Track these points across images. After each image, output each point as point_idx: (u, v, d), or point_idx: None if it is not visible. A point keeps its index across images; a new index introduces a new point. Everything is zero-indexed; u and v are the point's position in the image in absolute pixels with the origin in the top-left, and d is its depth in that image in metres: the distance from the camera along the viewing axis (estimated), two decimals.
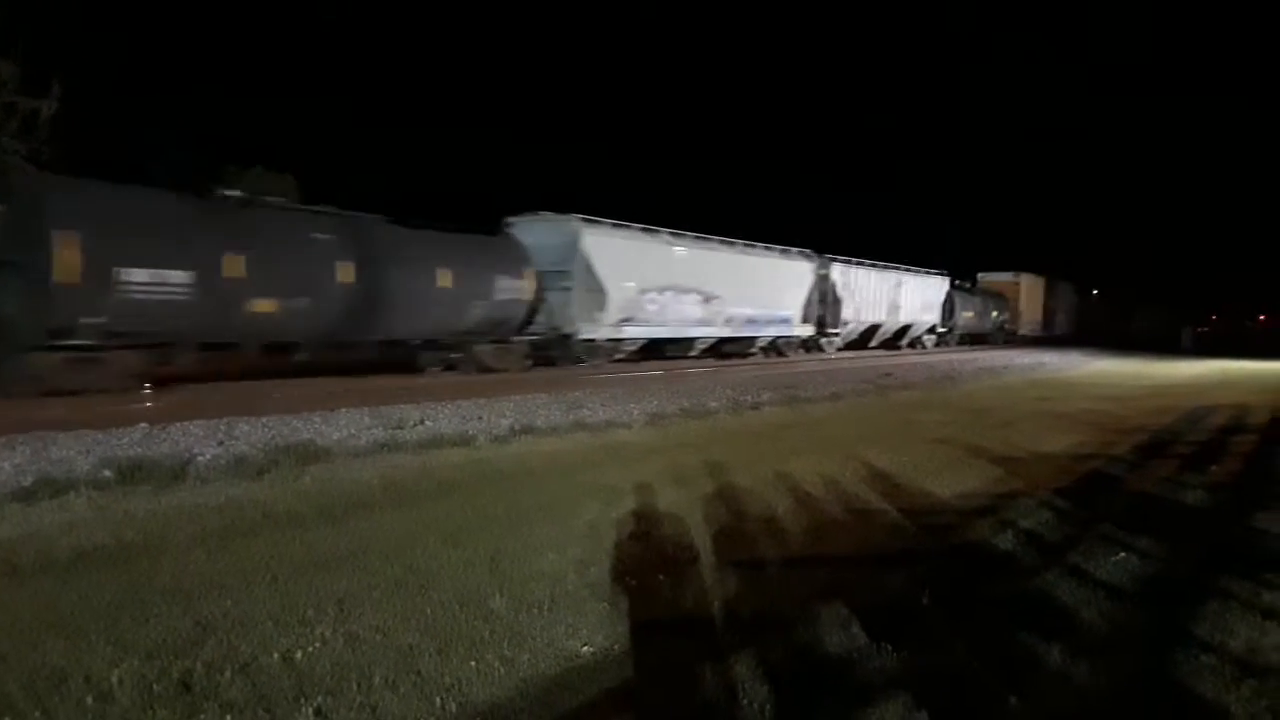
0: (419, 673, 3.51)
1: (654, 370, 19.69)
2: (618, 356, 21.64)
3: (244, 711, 3.14)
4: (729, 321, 24.85)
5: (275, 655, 3.62)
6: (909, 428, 11.43)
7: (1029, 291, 48.83)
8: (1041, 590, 4.80)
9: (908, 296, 35.85)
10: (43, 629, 3.80)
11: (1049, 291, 51.59)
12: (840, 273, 30.75)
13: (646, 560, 5.10)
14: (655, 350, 23.12)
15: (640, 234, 22.18)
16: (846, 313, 31.22)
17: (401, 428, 9.57)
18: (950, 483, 7.60)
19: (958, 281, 41.82)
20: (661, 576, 4.79)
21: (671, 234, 23.24)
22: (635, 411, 11.64)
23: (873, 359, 28.37)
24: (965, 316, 41.33)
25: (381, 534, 5.50)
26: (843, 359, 28.31)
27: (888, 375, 19.59)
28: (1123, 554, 5.49)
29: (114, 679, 3.33)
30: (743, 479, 7.37)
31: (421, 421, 10.05)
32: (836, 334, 31.00)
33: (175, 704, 3.17)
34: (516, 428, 9.91)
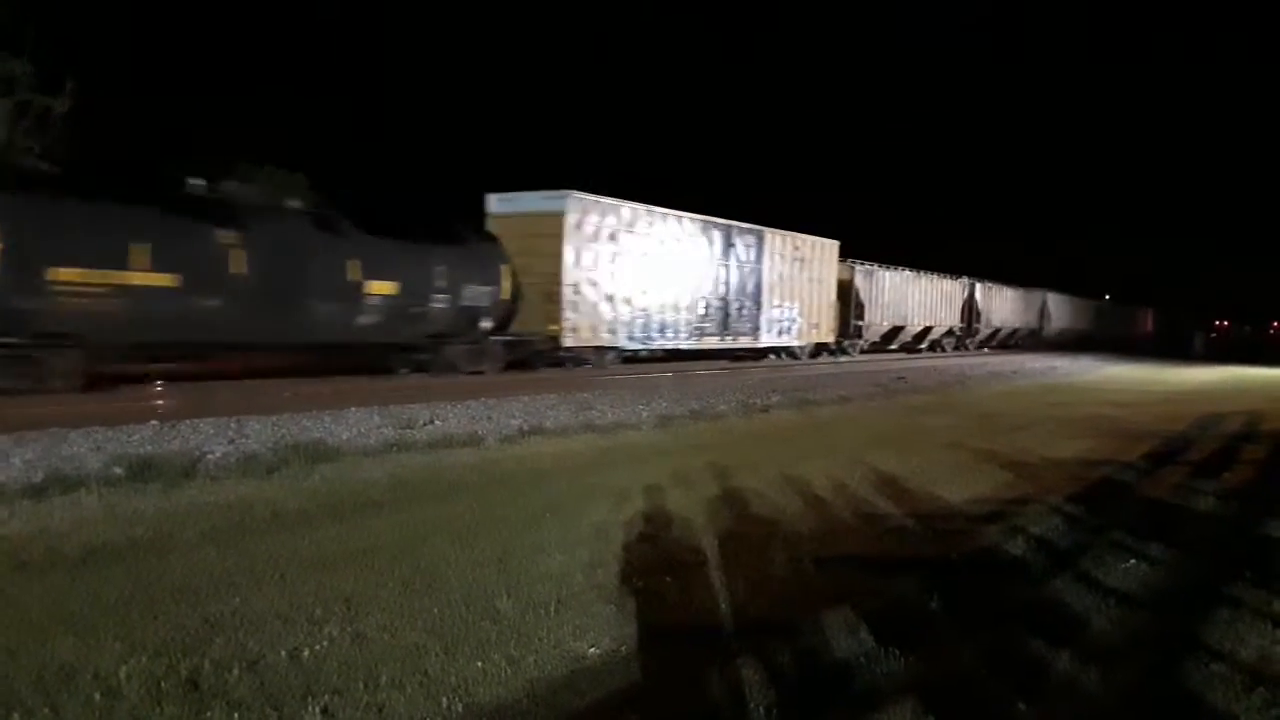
0: (425, 672, 3.51)
1: (664, 372, 19.67)
2: None
3: (251, 709, 3.14)
4: None
5: (283, 653, 3.62)
6: (918, 432, 11.40)
7: (610, 246, 20.10)
8: (1051, 597, 4.78)
9: None
10: (52, 625, 3.82)
11: (739, 254, 24.18)
12: None
13: (654, 562, 5.09)
14: None
15: None
16: None
17: (411, 427, 9.59)
18: (959, 488, 7.57)
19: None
20: (669, 579, 4.78)
21: None
22: (644, 413, 11.64)
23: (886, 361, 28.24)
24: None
25: (390, 533, 5.51)
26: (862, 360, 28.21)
27: (900, 379, 19.54)
28: (1133, 561, 5.47)
29: (122, 675, 3.34)
30: (751, 481, 7.36)
31: (431, 421, 10.07)
32: None
33: (183, 701, 3.18)
34: (525, 428, 9.92)
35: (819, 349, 28.67)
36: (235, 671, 3.43)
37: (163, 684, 3.30)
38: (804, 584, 4.85)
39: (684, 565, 5.04)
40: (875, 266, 32.03)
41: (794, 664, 3.75)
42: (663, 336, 21.76)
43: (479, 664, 3.61)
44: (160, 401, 11.12)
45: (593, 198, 19.74)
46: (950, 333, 38.36)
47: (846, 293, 30.10)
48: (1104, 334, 53.68)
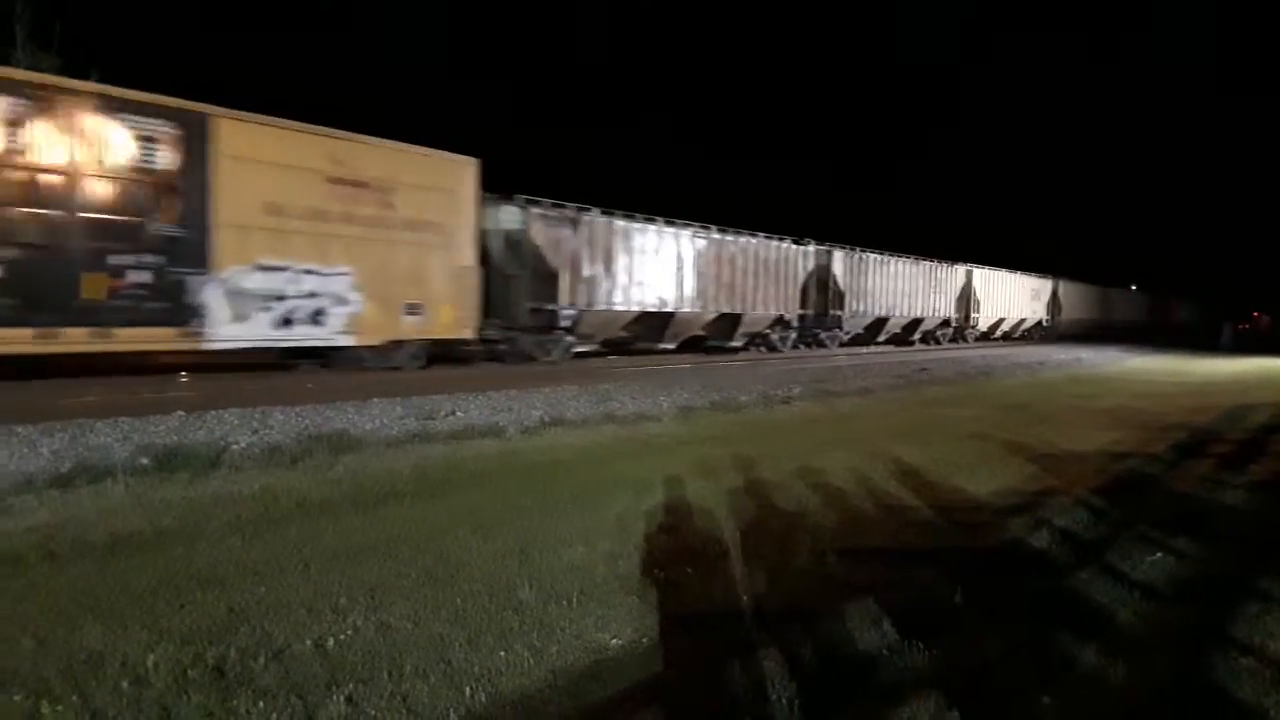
0: (449, 662, 3.53)
1: (685, 364, 19.66)
2: None
3: (276, 698, 3.17)
4: None
5: (308, 642, 3.66)
6: (941, 423, 11.32)
7: None
8: (1076, 590, 4.74)
9: None
10: (80, 613, 3.87)
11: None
12: None
13: (675, 553, 5.09)
14: None
15: None
16: None
17: (433, 418, 9.63)
18: (983, 480, 7.51)
19: None
20: (690, 570, 4.78)
21: None
22: (665, 404, 11.64)
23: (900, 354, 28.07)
24: None
25: (413, 524, 5.54)
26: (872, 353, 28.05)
27: (922, 370, 19.43)
28: (1160, 554, 5.41)
29: (149, 663, 3.38)
30: (772, 473, 7.34)
31: (453, 412, 10.11)
32: None
33: (209, 689, 3.21)
34: (547, 419, 9.94)
35: (435, 347, 15.97)
36: (261, 660, 3.47)
37: (189, 672, 3.34)
38: (826, 575, 4.83)
39: (706, 556, 5.04)
40: (592, 213, 18.41)
41: (816, 656, 3.74)
42: None
43: (502, 654, 3.63)
44: (186, 392, 11.22)
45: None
46: (782, 323, 25.24)
47: (516, 255, 17.11)
48: (1071, 324, 44.52)
